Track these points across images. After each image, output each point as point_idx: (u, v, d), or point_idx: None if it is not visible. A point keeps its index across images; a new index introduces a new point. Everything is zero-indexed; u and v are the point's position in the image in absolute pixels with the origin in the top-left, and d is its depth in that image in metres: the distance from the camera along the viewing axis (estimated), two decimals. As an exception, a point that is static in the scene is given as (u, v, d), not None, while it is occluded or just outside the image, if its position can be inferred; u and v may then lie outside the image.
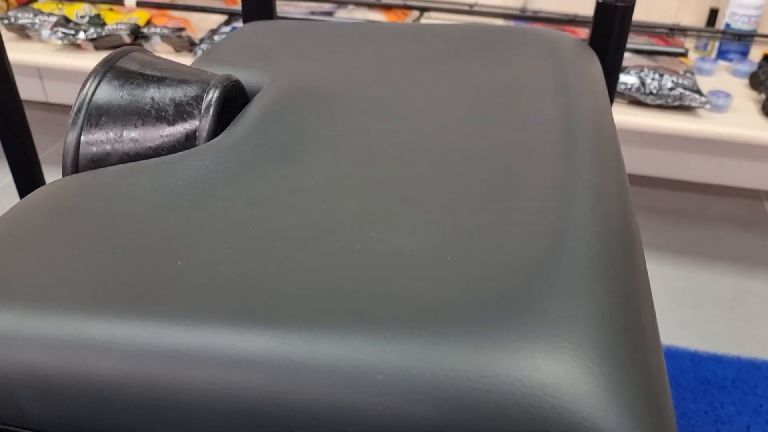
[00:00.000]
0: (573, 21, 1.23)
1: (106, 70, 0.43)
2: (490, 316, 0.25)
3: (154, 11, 1.37)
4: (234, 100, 0.46)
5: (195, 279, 0.28)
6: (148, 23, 1.34)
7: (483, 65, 0.51)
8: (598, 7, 0.67)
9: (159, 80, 0.43)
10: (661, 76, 1.08)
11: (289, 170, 0.37)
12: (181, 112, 0.42)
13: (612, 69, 0.70)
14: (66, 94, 1.74)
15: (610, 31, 0.67)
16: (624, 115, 1.08)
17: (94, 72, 0.43)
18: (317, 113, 0.44)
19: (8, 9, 1.45)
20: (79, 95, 0.42)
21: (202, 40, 1.32)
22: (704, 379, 1.04)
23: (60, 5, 1.42)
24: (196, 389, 0.25)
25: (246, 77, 0.50)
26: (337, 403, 0.24)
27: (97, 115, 0.42)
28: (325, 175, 0.37)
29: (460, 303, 0.26)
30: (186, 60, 1.25)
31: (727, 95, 1.09)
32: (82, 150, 0.41)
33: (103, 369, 0.25)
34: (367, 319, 0.25)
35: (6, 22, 1.37)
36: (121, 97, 0.42)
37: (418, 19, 1.35)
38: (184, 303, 0.27)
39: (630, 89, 1.09)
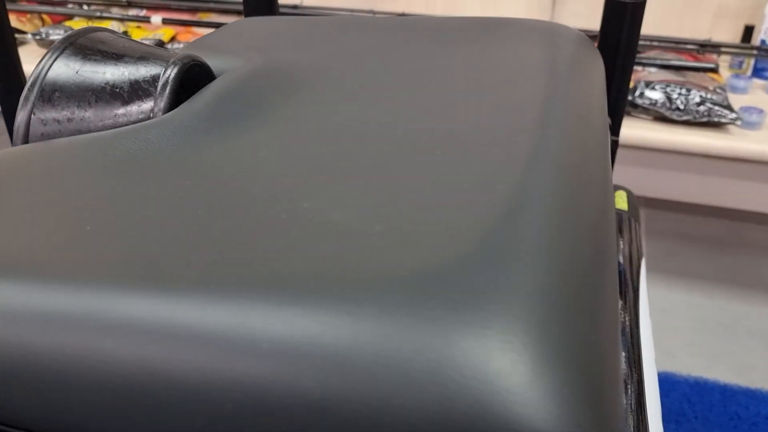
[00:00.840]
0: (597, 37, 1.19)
1: (65, 47, 0.41)
2: (405, 285, 0.22)
3: (179, 28, 1.38)
4: (199, 82, 0.44)
5: (94, 243, 0.25)
6: (173, 39, 1.35)
7: (470, 52, 0.48)
8: (607, 5, 0.63)
9: (117, 58, 0.41)
10: (689, 91, 1.03)
11: (234, 146, 0.35)
12: (137, 89, 0.40)
13: (623, 71, 0.66)
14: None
15: (620, 29, 0.63)
16: (649, 131, 1.03)
17: (52, 48, 0.41)
18: (279, 94, 0.41)
19: (43, 26, 1.49)
20: (34, 71, 0.40)
21: (223, 56, 1.33)
22: (735, 414, 0.96)
23: (90, 23, 1.45)
24: (67, 355, 0.22)
25: (219, 63, 0.48)
26: (215, 373, 0.21)
27: (50, 91, 0.40)
28: (271, 151, 0.34)
29: (374, 270, 0.23)
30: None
31: (761, 111, 1.03)
32: (32, 127, 0.40)
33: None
34: (261, 284, 0.22)
35: (38, 38, 1.41)
36: (77, 72, 0.40)
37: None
38: (69, 266, 0.24)
39: (655, 104, 1.04)
